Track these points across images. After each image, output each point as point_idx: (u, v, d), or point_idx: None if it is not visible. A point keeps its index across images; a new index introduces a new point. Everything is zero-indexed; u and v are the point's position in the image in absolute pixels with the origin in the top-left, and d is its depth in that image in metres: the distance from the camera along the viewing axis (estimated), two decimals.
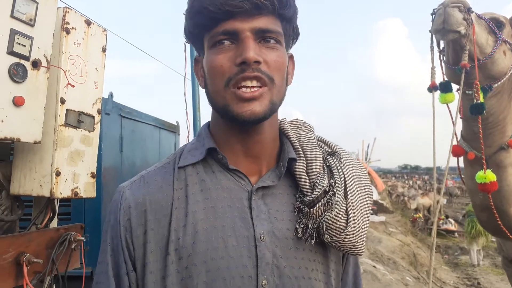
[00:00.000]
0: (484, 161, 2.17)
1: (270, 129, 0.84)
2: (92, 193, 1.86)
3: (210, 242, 0.76)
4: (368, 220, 0.87)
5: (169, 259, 0.76)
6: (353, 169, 0.87)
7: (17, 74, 1.49)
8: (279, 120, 0.91)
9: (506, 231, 2.36)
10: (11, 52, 1.47)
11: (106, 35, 1.95)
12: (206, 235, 0.77)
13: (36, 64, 1.56)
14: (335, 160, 0.87)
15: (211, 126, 0.88)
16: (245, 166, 0.83)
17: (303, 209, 0.82)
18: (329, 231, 0.81)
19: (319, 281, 0.82)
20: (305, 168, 0.84)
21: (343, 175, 0.84)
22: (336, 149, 0.91)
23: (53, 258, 1.67)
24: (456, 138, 2.38)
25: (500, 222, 2.29)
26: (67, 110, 1.71)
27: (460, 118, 2.32)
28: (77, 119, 1.75)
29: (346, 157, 0.89)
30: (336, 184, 0.82)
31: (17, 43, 1.48)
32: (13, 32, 1.47)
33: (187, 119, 3.81)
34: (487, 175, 2.15)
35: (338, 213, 0.80)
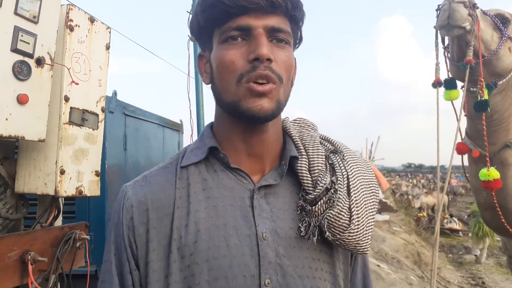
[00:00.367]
0: (488, 159, 2.15)
1: (273, 128, 0.84)
2: (96, 192, 1.85)
3: (212, 241, 0.76)
4: (373, 218, 0.85)
5: (171, 258, 0.76)
6: (357, 167, 0.86)
7: (21, 71, 1.49)
8: (281, 119, 0.90)
9: (510, 230, 2.34)
10: (15, 50, 1.47)
11: (109, 32, 1.95)
12: (208, 233, 0.76)
13: (40, 62, 1.56)
14: (337, 157, 0.86)
15: (214, 125, 0.88)
16: (247, 165, 0.83)
17: (306, 207, 0.81)
18: (332, 229, 0.79)
19: (324, 280, 0.81)
20: (307, 166, 0.83)
21: (345, 173, 0.83)
22: (339, 146, 0.90)
23: (58, 257, 1.67)
24: (461, 135, 2.36)
25: (504, 221, 2.28)
26: (71, 108, 1.70)
27: (465, 115, 2.30)
28: (81, 117, 1.75)
29: (349, 154, 0.88)
30: (338, 181, 0.81)
31: (21, 40, 1.48)
32: (17, 30, 1.47)
33: (190, 117, 3.82)
34: (491, 173, 2.13)
35: (340, 211, 0.79)
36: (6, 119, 1.44)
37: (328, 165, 0.85)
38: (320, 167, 0.83)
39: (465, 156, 2.41)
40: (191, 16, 3.85)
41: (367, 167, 0.90)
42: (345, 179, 0.82)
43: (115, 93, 3.33)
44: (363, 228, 0.81)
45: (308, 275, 0.79)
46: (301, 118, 0.95)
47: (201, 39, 0.85)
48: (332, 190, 0.81)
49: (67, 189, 1.68)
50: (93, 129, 1.82)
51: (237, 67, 0.75)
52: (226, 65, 0.76)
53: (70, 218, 2.75)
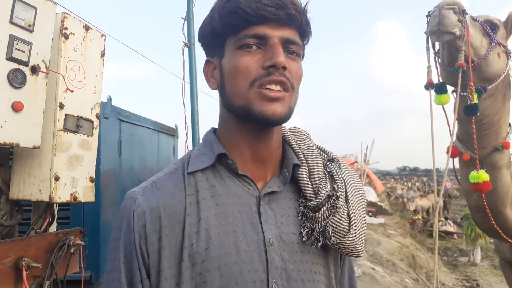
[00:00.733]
0: (477, 162, 2.19)
1: (277, 135, 0.87)
2: (91, 198, 1.86)
3: (223, 248, 0.77)
4: (365, 223, 0.90)
5: (183, 265, 0.76)
6: (349, 175, 0.90)
7: (16, 79, 1.50)
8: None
9: (501, 232, 2.37)
10: (10, 58, 1.49)
11: (104, 40, 1.97)
12: (219, 240, 0.78)
13: (35, 70, 1.58)
14: (335, 166, 0.90)
15: (219, 131, 0.89)
16: (252, 171, 0.85)
17: (307, 213, 0.84)
18: (334, 234, 0.83)
19: (321, 283, 0.84)
20: (307, 174, 0.86)
21: (343, 180, 0.87)
22: (333, 156, 0.94)
23: (52, 263, 1.68)
24: (452, 139, 2.39)
25: (494, 223, 2.31)
26: (65, 115, 1.72)
27: (456, 119, 2.34)
28: (75, 124, 1.76)
29: (343, 163, 0.93)
30: (339, 189, 0.85)
31: (16, 48, 1.50)
32: (12, 38, 1.49)
33: (185, 122, 3.82)
34: (480, 175, 2.17)
35: (341, 217, 0.83)
36: (1, 127, 1.46)
37: (326, 173, 0.88)
38: (320, 175, 0.86)
39: (456, 160, 2.45)
40: (186, 22, 3.86)
41: (355, 175, 0.94)
42: (343, 186, 0.86)
43: (109, 99, 3.35)
44: (359, 232, 0.86)
45: (309, 278, 0.82)
46: (295, 127, 0.98)
47: (213, 45, 0.86)
48: (334, 197, 0.84)
49: (62, 195, 1.70)
50: (88, 136, 1.84)
51: (251, 73, 0.77)
52: (241, 70, 0.78)
53: (65, 224, 2.76)
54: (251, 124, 0.81)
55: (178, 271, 0.76)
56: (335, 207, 0.83)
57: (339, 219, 0.83)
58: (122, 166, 3.48)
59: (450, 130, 2.34)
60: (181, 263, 0.76)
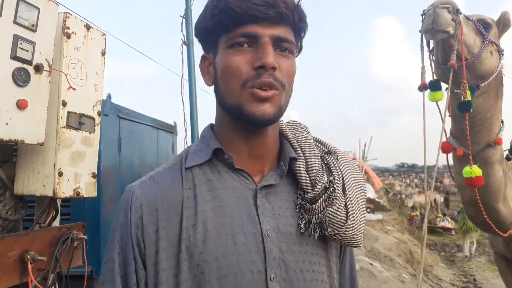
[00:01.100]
0: (471, 157, 2.24)
1: (273, 131, 0.89)
2: (93, 193, 1.91)
3: (220, 240, 0.79)
4: (364, 213, 0.92)
5: (181, 257, 0.78)
6: (348, 167, 0.92)
7: (20, 78, 1.55)
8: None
9: (494, 226, 2.43)
10: (14, 57, 1.53)
11: (105, 39, 2.00)
12: (216, 232, 0.80)
13: (38, 68, 1.62)
14: (332, 158, 0.92)
15: (215, 127, 0.91)
16: (248, 166, 0.87)
17: (305, 205, 0.86)
18: (331, 225, 0.85)
19: (321, 273, 0.87)
20: (304, 167, 0.89)
21: (340, 172, 0.90)
22: (331, 148, 0.96)
23: (56, 256, 1.73)
24: (446, 135, 2.44)
25: (486, 217, 2.36)
26: (68, 112, 1.76)
27: (449, 116, 2.39)
28: (78, 121, 1.81)
29: (341, 155, 0.95)
30: (335, 181, 0.88)
31: (20, 48, 1.54)
32: (16, 38, 1.53)
33: (184, 119, 3.86)
34: (473, 170, 2.21)
35: (338, 208, 0.85)
36: (7, 124, 1.50)
37: (323, 165, 0.91)
38: (317, 167, 0.89)
39: (451, 156, 2.50)
40: (184, 20, 3.89)
41: (355, 167, 0.96)
42: (341, 178, 0.89)
43: (109, 96, 3.38)
44: (357, 223, 0.88)
45: (308, 268, 0.84)
46: (293, 120, 1.00)
47: (207, 42, 0.88)
48: (330, 189, 0.87)
49: (65, 190, 1.74)
50: (90, 133, 1.88)
51: (242, 73, 0.79)
52: (232, 69, 0.79)
53: (66, 220, 2.80)
54: (243, 124, 0.84)
55: (176, 262, 0.78)
56: (331, 199, 0.86)
57: (336, 210, 0.85)
58: (122, 163, 3.52)
59: (443, 127, 2.39)
60: (179, 255, 0.78)
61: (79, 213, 2.99)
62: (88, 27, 1.89)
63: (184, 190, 0.83)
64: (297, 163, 0.89)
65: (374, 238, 10.52)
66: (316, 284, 0.84)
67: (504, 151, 3.16)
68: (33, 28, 1.59)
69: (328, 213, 0.85)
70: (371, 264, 7.20)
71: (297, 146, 0.91)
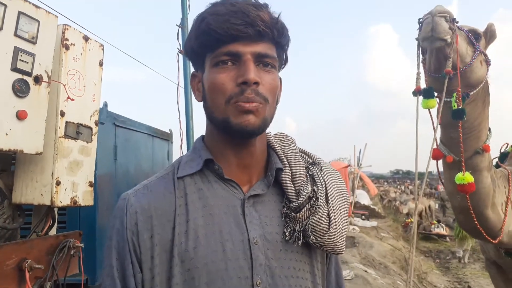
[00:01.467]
0: (463, 164, 2.28)
1: (260, 142, 0.93)
2: (90, 201, 1.94)
3: (210, 246, 0.83)
4: (346, 222, 0.97)
5: (173, 262, 0.82)
6: (332, 177, 0.97)
7: (20, 89, 1.58)
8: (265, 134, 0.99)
9: (484, 233, 2.47)
10: (14, 69, 1.57)
11: (103, 49, 2.05)
12: (206, 239, 0.83)
13: (37, 80, 1.65)
14: (316, 169, 0.97)
15: (206, 139, 0.96)
16: (237, 176, 0.91)
17: (290, 214, 0.91)
18: (314, 233, 0.90)
19: (306, 279, 0.91)
20: (290, 177, 0.93)
21: (324, 182, 0.94)
22: (316, 159, 1.01)
23: (54, 264, 1.75)
24: (436, 142, 2.49)
25: (477, 223, 2.41)
26: (66, 122, 1.80)
27: (439, 124, 2.44)
28: (76, 131, 1.84)
29: (325, 166, 0.99)
30: (319, 190, 0.92)
31: (20, 60, 1.58)
32: (16, 50, 1.57)
33: (180, 128, 3.90)
34: (466, 177, 2.26)
35: (321, 217, 0.90)
36: (6, 134, 1.53)
37: (308, 176, 0.95)
38: (302, 178, 0.93)
39: (440, 162, 2.55)
40: (180, 29, 3.95)
41: (339, 177, 1.01)
42: (324, 188, 0.93)
43: (105, 104, 3.41)
44: (339, 231, 0.92)
45: (292, 275, 0.88)
46: (281, 133, 1.05)
47: (195, 61, 0.93)
48: (314, 199, 0.91)
49: (63, 199, 1.77)
50: (87, 142, 1.91)
51: (227, 89, 0.83)
52: (217, 87, 0.84)
53: (61, 228, 2.81)
54: (231, 137, 0.88)
55: (169, 267, 0.82)
56: (314, 208, 0.90)
57: (319, 219, 0.89)
58: (118, 171, 3.54)
59: (435, 135, 2.45)
60: (171, 260, 0.82)
61: (74, 221, 3.00)
62: (86, 38, 1.93)
63: (177, 199, 0.87)
64: (283, 173, 0.93)
65: (369, 245, 10.54)
66: None
67: (494, 158, 3.23)
68: (33, 41, 1.63)
69: (311, 221, 0.89)
70: (365, 271, 7.22)
71: (284, 157, 0.96)
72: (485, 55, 2.38)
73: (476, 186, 2.31)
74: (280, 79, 0.97)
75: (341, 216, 0.94)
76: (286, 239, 0.89)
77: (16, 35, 1.56)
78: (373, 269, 7.97)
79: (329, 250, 0.93)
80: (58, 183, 1.74)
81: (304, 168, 0.96)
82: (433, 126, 2.44)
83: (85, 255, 2.78)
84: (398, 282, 7.69)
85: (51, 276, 1.74)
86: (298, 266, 0.90)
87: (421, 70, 2.39)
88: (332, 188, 0.95)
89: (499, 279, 3.18)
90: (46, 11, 1.70)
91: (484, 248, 3.22)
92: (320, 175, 0.95)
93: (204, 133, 0.99)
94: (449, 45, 2.11)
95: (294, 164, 0.94)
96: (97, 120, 1.99)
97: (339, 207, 0.94)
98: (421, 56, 2.39)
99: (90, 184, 1.95)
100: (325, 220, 0.90)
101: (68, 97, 1.79)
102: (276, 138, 1.01)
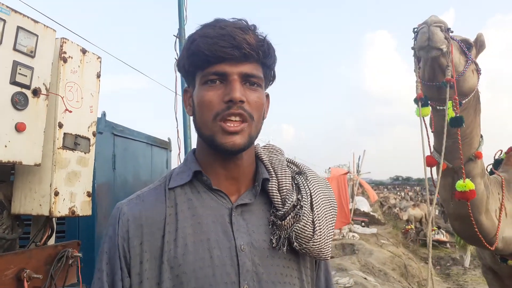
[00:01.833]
0: (463, 171, 2.31)
1: (248, 155, 0.98)
2: (88, 211, 1.96)
3: (198, 253, 0.88)
4: (333, 228, 1.01)
5: (163, 268, 0.86)
6: (318, 186, 1.01)
7: (19, 102, 1.62)
8: (254, 146, 1.04)
9: (483, 239, 2.49)
10: (13, 82, 1.60)
11: (100, 62, 2.09)
12: (194, 247, 0.88)
13: (36, 92, 1.69)
14: (302, 178, 1.01)
15: (197, 152, 1.01)
16: (226, 187, 0.96)
17: (276, 222, 0.95)
18: (299, 240, 0.94)
19: (293, 285, 0.94)
20: (276, 187, 0.98)
21: (309, 191, 0.99)
22: (303, 168, 1.06)
23: (52, 274, 1.77)
24: (430, 149, 2.52)
25: (477, 230, 2.43)
26: (64, 133, 1.83)
27: (432, 132, 2.47)
28: (73, 142, 1.87)
29: (312, 175, 1.04)
30: (303, 199, 0.97)
31: (19, 73, 1.62)
32: (15, 64, 1.61)
33: (177, 137, 3.93)
34: (467, 184, 2.29)
35: (305, 224, 0.94)
36: (5, 146, 1.56)
37: (294, 185, 1.00)
38: (287, 187, 0.98)
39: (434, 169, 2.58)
40: (177, 39, 4.00)
41: (327, 185, 1.05)
42: (309, 196, 0.98)
43: (104, 114, 3.44)
44: (324, 238, 0.96)
45: (279, 280, 0.92)
46: (269, 144, 1.10)
47: (186, 78, 0.99)
48: (298, 207, 0.96)
49: (61, 209, 1.80)
50: (85, 153, 1.94)
51: (214, 106, 0.89)
52: (205, 104, 0.90)
53: (60, 237, 2.82)
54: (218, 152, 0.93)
55: (159, 272, 0.87)
56: (298, 216, 0.94)
57: (303, 226, 0.94)
58: (116, 180, 3.56)
59: (429, 142, 2.49)
60: (161, 266, 0.87)
61: (73, 231, 3.01)
62: (84, 51, 1.97)
63: (167, 208, 0.92)
64: (270, 183, 0.98)
65: (369, 252, 10.53)
66: None
67: (489, 165, 3.26)
68: (31, 54, 1.67)
69: (296, 228, 0.94)
70: (365, 278, 7.21)
71: (271, 168, 1.01)
72: (476, 64, 2.42)
73: None
74: (268, 95, 1.02)
75: (326, 223, 0.98)
76: (273, 246, 0.94)
77: (15, 49, 1.60)
78: (373, 276, 7.95)
79: (315, 256, 0.97)
80: (56, 194, 1.77)
81: (290, 178, 1.00)
82: (427, 134, 2.48)
83: (84, 264, 2.80)
84: None
85: (49, 286, 1.76)
86: (285, 272, 0.94)
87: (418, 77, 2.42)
88: (317, 196, 0.99)
89: (495, 285, 3.19)
90: (45, 25, 1.74)
91: (481, 254, 3.24)
92: (305, 184, 1.00)
93: (194, 148, 1.04)
94: (445, 54, 2.15)
95: (281, 174, 0.99)
96: (94, 131, 2.02)
97: (325, 214, 0.98)
98: (415, 65, 2.42)
99: (88, 194, 1.97)
100: (310, 227, 0.94)
101: (66, 109, 1.83)
102: (265, 150, 1.07)
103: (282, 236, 0.94)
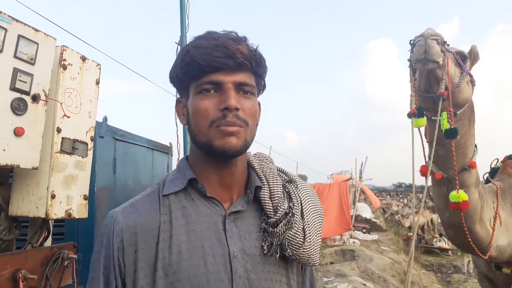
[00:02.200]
0: (457, 182, 2.34)
1: (241, 162, 1.01)
2: (84, 214, 2.01)
3: (192, 260, 0.89)
4: (320, 236, 1.04)
5: (157, 275, 0.87)
6: (307, 194, 1.05)
7: (18, 107, 1.67)
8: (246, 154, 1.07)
9: (476, 248, 2.52)
10: (13, 88, 1.66)
11: (99, 69, 2.14)
12: (188, 254, 0.89)
13: (35, 98, 1.74)
14: (292, 186, 1.04)
15: (190, 159, 1.04)
16: (219, 194, 0.98)
17: (268, 229, 0.98)
18: (290, 246, 0.97)
19: None
20: (268, 194, 1.01)
21: (299, 199, 1.02)
22: (292, 177, 1.09)
23: (47, 275, 1.81)
24: (425, 159, 2.55)
25: (470, 240, 2.46)
26: (62, 138, 1.88)
27: (427, 142, 2.50)
28: (71, 146, 1.92)
29: (301, 183, 1.07)
30: (294, 207, 1.00)
31: (19, 80, 1.67)
32: (15, 71, 1.66)
33: (177, 141, 3.97)
34: (460, 195, 2.32)
35: (297, 231, 0.97)
36: (4, 150, 1.61)
37: (285, 193, 1.02)
38: (279, 195, 1.01)
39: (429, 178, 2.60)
40: (179, 47, 4.05)
41: (314, 194, 1.09)
42: (299, 204, 1.01)
43: (105, 119, 3.48)
44: (314, 245, 0.99)
45: (270, 286, 0.95)
46: (260, 153, 1.13)
47: (179, 88, 1.02)
48: (290, 214, 0.98)
49: (57, 212, 1.84)
50: (83, 157, 1.99)
51: (210, 114, 0.91)
52: (201, 112, 0.92)
53: (59, 239, 2.86)
54: (214, 158, 0.96)
55: (153, 280, 0.88)
56: (290, 223, 0.97)
57: (295, 233, 0.96)
58: (117, 184, 3.60)
59: (424, 152, 2.52)
60: (155, 273, 0.88)
61: (72, 233, 3.05)
62: (83, 59, 2.02)
63: (161, 215, 0.93)
64: (262, 191, 1.00)
65: (369, 259, 10.49)
66: None
67: (486, 173, 3.28)
68: (31, 62, 1.72)
69: (288, 235, 0.97)
70: (364, 284, 7.20)
71: (262, 176, 1.03)
72: (471, 76, 2.45)
73: None
74: (260, 103, 1.06)
75: (315, 230, 1.01)
76: (264, 252, 0.96)
77: (15, 56, 1.66)
78: (372, 282, 7.94)
79: (304, 262, 1.00)
80: (53, 197, 1.81)
81: (281, 186, 1.03)
82: (423, 145, 2.52)
83: (83, 266, 2.84)
84: None
85: (44, 287, 1.80)
86: (275, 277, 0.97)
87: (413, 89, 2.44)
88: (307, 204, 1.02)
89: None
90: (45, 33, 1.79)
91: (476, 262, 3.25)
92: (296, 192, 1.03)
93: (186, 155, 1.06)
94: (441, 67, 2.18)
95: (272, 182, 1.02)
96: (92, 136, 2.07)
97: (313, 222, 1.01)
98: (411, 76, 2.45)
99: (85, 198, 2.02)
100: (301, 234, 0.97)
101: (65, 115, 1.88)
102: (256, 158, 1.09)
103: (274, 243, 0.97)
